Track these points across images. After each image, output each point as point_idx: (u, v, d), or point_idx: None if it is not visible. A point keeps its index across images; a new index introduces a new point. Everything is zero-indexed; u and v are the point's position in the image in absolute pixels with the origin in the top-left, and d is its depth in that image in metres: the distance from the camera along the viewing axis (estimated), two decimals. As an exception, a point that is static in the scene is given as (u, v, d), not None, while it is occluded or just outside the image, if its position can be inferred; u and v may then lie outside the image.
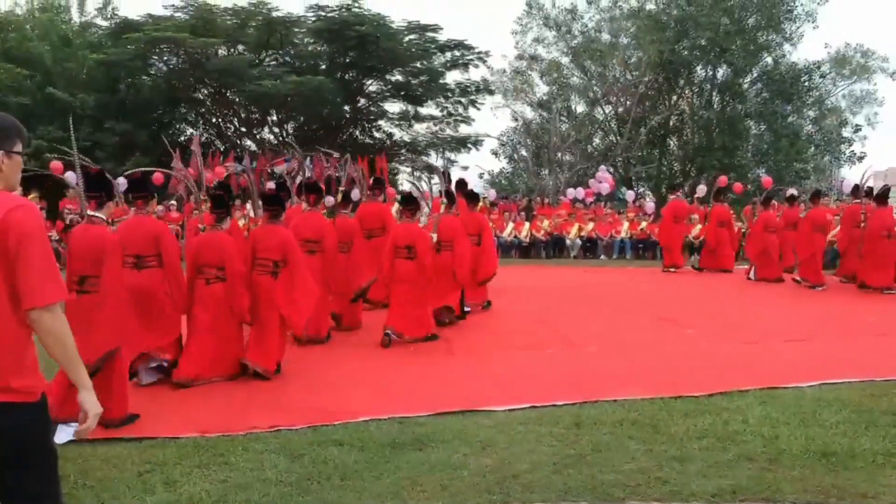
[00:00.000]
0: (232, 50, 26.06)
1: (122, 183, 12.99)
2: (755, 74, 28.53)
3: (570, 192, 22.05)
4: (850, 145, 29.01)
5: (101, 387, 4.87)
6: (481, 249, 9.42)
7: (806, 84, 27.96)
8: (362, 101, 28.32)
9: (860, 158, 28.94)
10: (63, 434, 4.80)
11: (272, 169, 17.51)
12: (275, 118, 27.67)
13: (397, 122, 29.31)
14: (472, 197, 10.08)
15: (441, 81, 27.80)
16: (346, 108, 27.40)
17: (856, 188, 13.23)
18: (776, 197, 16.20)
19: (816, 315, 10.01)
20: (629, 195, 22.92)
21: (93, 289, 5.16)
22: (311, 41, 26.90)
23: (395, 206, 11.96)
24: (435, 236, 8.59)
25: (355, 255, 8.60)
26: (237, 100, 26.40)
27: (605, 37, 30.00)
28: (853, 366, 6.69)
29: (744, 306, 10.73)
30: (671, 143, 31.26)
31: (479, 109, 29.18)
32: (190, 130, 28.32)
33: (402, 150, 29.31)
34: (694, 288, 12.98)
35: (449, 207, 9.23)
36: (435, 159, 29.03)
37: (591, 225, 19.36)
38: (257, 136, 27.75)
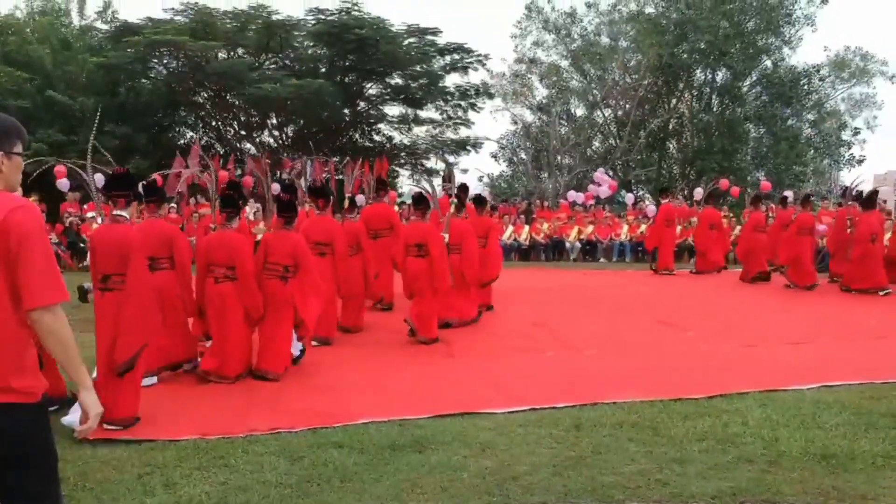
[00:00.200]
0: (232, 53, 26.05)
1: (99, 180, 13.12)
2: (754, 78, 28.59)
3: (571, 194, 22.06)
4: (850, 148, 29.11)
5: (113, 385, 5.05)
6: (486, 252, 9.55)
7: (805, 87, 28.01)
8: (362, 104, 28.32)
9: (859, 162, 29.04)
10: (72, 417, 4.83)
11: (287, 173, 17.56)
12: (274, 121, 27.67)
13: (397, 126, 29.32)
14: (480, 201, 10.25)
15: (441, 85, 27.81)
16: (346, 111, 27.39)
17: (844, 191, 13.37)
18: (771, 199, 16.30)
19: (816, 317, 10.02)
20: (629, 198, 22.94)
21: (116, 287, 5.23)
22: (311, 44, 26.91)
23: (395, 208, 12.07)
24: (446, 237, 8.66)
25: (366, 255, 8.87)
26: (237, 103, 26.39)
27: (605, 40, 30.07)
28: (853, 368, 6.70)
29: (743, 309, 10.74)
30: (670, 146, 31.31)
31: (478, 113, 29.20)
32: (190, 134, 28.31)
33: (402, 153, 29.32)
34: (693, 290, 12.98)
35: (458, 210, 9.36)
36: (434, 162, 29.05)
37: (590, 228, 19.37)
38: (257, 140, 27.74)
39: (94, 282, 5.39)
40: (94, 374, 5.20)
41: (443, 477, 4.19)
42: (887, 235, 13.13)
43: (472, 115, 29.01)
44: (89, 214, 14.99)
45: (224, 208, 6.82)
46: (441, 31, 26.67)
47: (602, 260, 18.85)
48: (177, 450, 4.66)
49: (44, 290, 2.31)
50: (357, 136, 28.86)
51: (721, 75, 28.66)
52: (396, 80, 27.32)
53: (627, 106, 29.33)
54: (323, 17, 25.33)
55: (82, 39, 26.48)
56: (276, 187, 13.65)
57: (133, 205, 5.69)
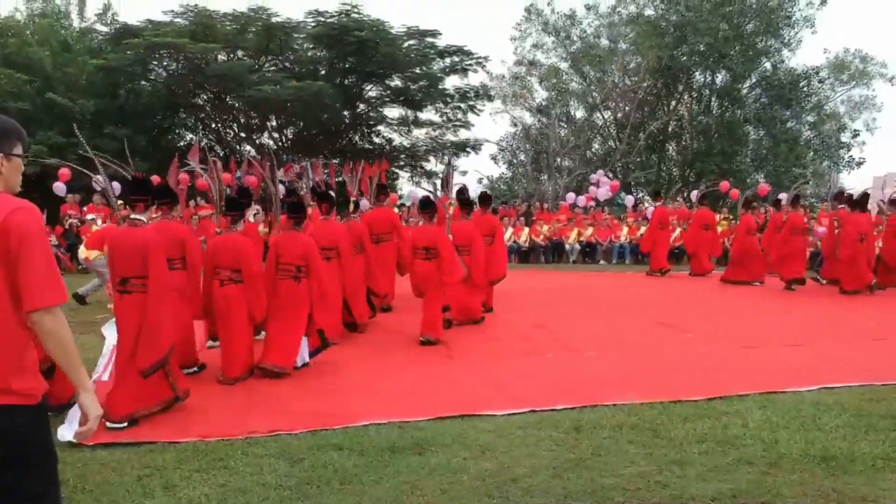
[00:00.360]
0: (231, 55, 26.06)
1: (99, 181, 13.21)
2: (754, 80, 28.58)
3: (570, 196, 22.06)
4: (849, 150, 29.10)
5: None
6: (492, 250, 9.70)
7: (805, 89, 28.01)
8: (362, 106, 28.33)
9: (859, 164, 29.02)
10: (66, 431, 4.84)
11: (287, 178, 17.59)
12: (274, 123, 27.67)
13: (397, 128, 29.33)
14: (486, 199, 10.38)
15: (440, 87, 27.82)
16: (346, 113, 27.40)
17: (838, 194, 13.78)
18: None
19: (816, 319, 10.02)
20: (629, 200, 22.95)
21: (135, 289, 5.36)
22: (311, 47, 26.92)
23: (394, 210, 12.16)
24: (450, 237, 8.83)
25: (368, 257, 9.08)
26: (237, 105, 26.39)
27: (604, 42, 30.07)
28: (852, 370, 6.70)
29: (743, 310, 10.74)
30: (670, 148, 31.32)
31: (478, 115, 29.19)
32: (189, 136, 28.30)
33: (402, 156, 29.33)
34: (692, 292, 13.00)
35: (466, 213, 9.51)
36: (435, 164, 29.06)
37: (590, 230, 19.38)
38: (257, 142, 27.74)
39: (113, 285, 5.53)
40: (94, 376, 5.21)
41: (442, 479, 4.19)
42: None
43: (471, 117, 29.04)
44: (89, 216, 14.99)
45: (228, 211, 6.90)
46: (441, 34, 26.72)
47: (602, 262, 18.86)
48: (176, 452, 4.66)
49: (44, 292, 2.31)
50: (357, 138, 28.88)
51: (720, 77, 28.67)
52: (396, 82, 27.34)
53: (627, 108, 29.35)
54: (322, 19, 25.34)
55: (82, 41, 26.49)
56: (280, 189, 13.70)
57: (150, 209, 5.90)
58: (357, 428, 5.11)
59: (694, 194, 17.51)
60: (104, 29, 27.21)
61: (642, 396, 5.81)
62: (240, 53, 26.12)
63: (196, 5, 24.98)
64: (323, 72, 26.66)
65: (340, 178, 17.58)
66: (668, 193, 20.56)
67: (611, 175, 24.58)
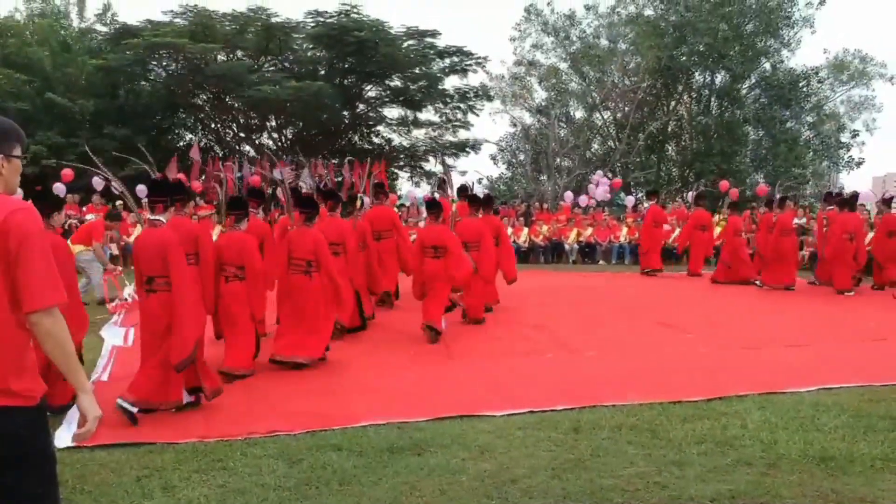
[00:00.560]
0: (231, 55, 26.09)
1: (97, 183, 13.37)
2: (753, 80, 28.61)
3: (568, 195, 22.04)
4: (849, 151, 29.12)
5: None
6: (499, 251, 9.90)
7: (804, 90, 28.03)
8: (361, 106, 28.36)
9: (858, 164, 29.04)
10: (65, 433, 4.83)
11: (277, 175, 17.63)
12: (274, 123, 27.70)
13: (396, 128, 29.36)
14: (486, 200, 10.53)
15: (440, 87, 27.87)
16: (345, 113, 27.43)
17: (827, 195, 14.07)
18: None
19: (815, 320, 10.02)
20: (628, 200, 22.96)
21: (160, 288, 5.53)
22: (310, 47, 26.95)
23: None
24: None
25: (370, 254, 9.35)
26: (236, 105, 26.42)
27: (604, 42, 30.09)
28: (852, 370, 6.70)
29: (742, 311, 10.74)
30: (669, 148, 31.33)
31: (477, 115, 29.27)
32: (189, 136, 28.34)
33: (401, 156, 29.35)
34: (692, 292, 13.00)
35: (475, 212, 9.70)
36: (434, 164, 29.08)
37: (589, 230, 19.36)
38: (256, 142, 27.76)
39: (139, 284, 5.74)
40: (93, 377, 5.21)
41: (441, 480, 4.19)
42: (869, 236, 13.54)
43: (471, 117, 29.13)
44: (88, 216, 15.00)
45: (232, 210, 7.07)
46: (440, 34, 26.77)
47: (601, 262, 18.86)
48: (175, 453, 4.66)
49: (43, 293, 2.31)
50: (356, 138, 28.91)
51: (720, 78, 28.69)
52: (395, 82, 27.38)
53: (626, 108, 29.36)
54: (322, 19, 25.37)
55: (82, 42, 26.52)
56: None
57: (170, 210, 5.95)
58: (356, 428, 5.11)
59: (690, 195, 17.52)
60: (104, 29, 27.26)
61: (641, 397, 5.81)
62: (239, 53, 26.15)
63: (195, 5, 25.02)
64: (322, 72, 26.68)
65: (340, 178, 17.57)
66: (667, 194, 20.57)
67: (610, 175, 24.60)
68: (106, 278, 10.59)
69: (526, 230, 19.44)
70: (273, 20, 25.25)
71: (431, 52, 27.10)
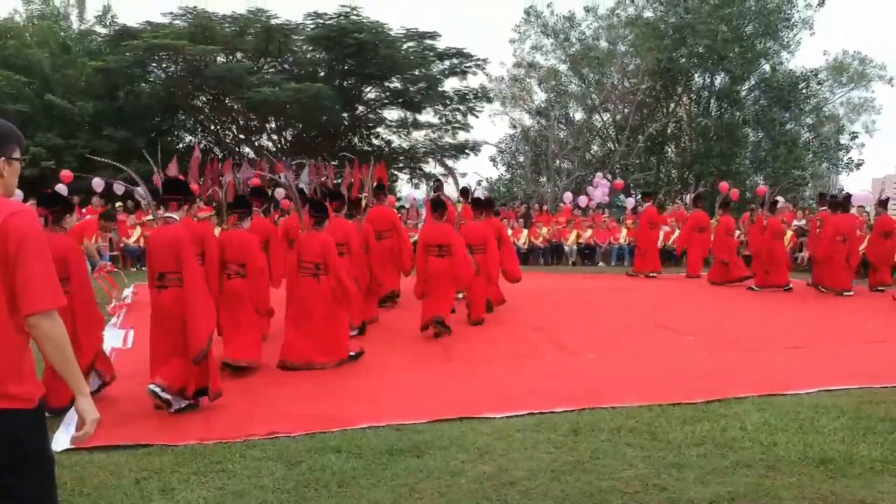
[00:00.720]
0: (230, 57, 26.08)
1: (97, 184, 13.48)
2: (753, 82, 28.63)
3: (568, 196, 22.03)
4: (848, 152, 29.14)
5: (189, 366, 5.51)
6: (502, 251, 10.11)
7: (803, 91, 28.05)
8: (361, 108, 28.36)
9: (858, 166, 29.06)
10: (62, 438, 4.82)
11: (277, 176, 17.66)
12: (273, 125, 27.70)
13: (396, 130, 29.35)
14: (487, 203, 10.69)
15: (439, 89, 27.86)
16: (345, 115, 27.42)
17: (820, 196, 14.38)
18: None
19: (814, 322, 10.02)
20: (628, 202, 22.97)
21: (172, 284, 5.67)
22: (310, 48, 26.95)
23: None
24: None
25: (372, 254, 9.44)
26: (236, 107, 26.41)
27: (603, 44, 30.12)
28: (851, 372, 6.70)
29: (742, 313, 10.74)
30: (669, 150, 31.35)
31: (477, 117, 29.26)
32: (188, 137, 28.35)
33: (401, 157, 29.35)
34: (691, 294, 13.00)
35: (479, 214, 9.86)
36: (434, 166, 29.07)
37: (589, 232, 19.36)
38: (256, 144, 27.75)
39: (151, 280, 5.86)
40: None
41: (440, 482, 4.19)
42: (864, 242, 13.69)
43: (470, 119, 29.13)
44: (88, 217, 14.96)
45: (234, 209, 7.31)
46: (440, 36, 26.76)
47: (601, 264, 18.86)
48: (174, 455, 4.65)
49: (42, 296, 2.31)
50: (356, 139, 28.90)
51: (719, 79, 28.70)
52: (395, 84, 27.37)
53: (626, 110, 29.38)
54: (321, 21, 25.37)
55: (81, 43, 26.51)
56: (280, 192, 13.80)
57: (183, 208, 6.05)
58: (355, 431, 5.11)
59: (688, 197, 17.55)
60: (103, 31, 27.26)
61: (640, 399, 5.80)
62: (239, 55, 26.14)
63: (195, 7, 25.03)
64: (322, 73, 26.68)
65: (338, 181, 17.58)
66: (667, 195, 20.57)
67: (610, 177, 24.60)
68: (97, 275, 10.54)
69: (525, 232, 19.44)
70: (272, 22, 25.25)
71: (431, 53, 27.10)
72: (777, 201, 14.80)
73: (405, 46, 26.40)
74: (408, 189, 28.20)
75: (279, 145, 27.78)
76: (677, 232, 17.41)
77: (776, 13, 26.98)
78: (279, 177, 15.77)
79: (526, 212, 21.45)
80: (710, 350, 7.94)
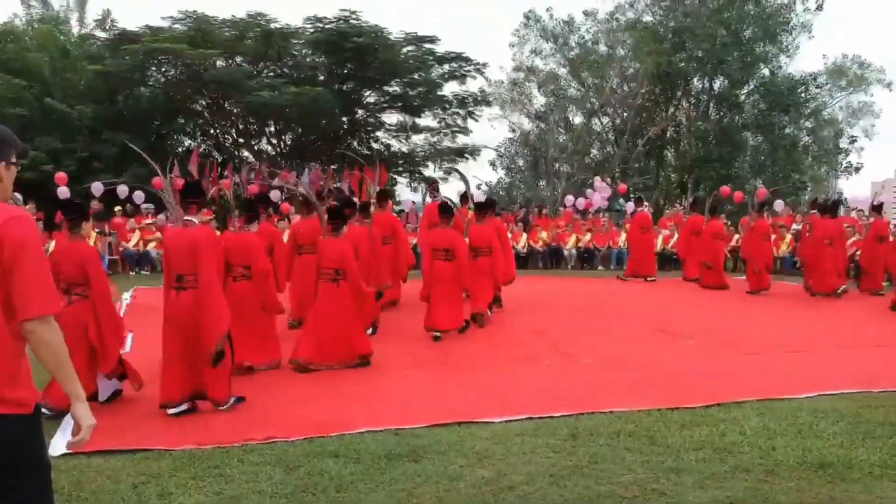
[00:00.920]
0: (230, 61, 26.07)
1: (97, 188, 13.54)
2: (752, 86, 28.67)
3: (569, 199, 22.02)
4: (847, 156, 29.17)
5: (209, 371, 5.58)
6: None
7: (803, 95, 28.09)
8: (360, 112, 28.35)
9: (857, 169, 29.10)
10: (59, 443, 4.81)
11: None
12: (273, 129, 27.68)
13: (395, 133, 29.35)
14: (490, 204, 10.93)
15: (439, 93, 27.86)
16: (344, 119, 27.42)
17: (812, 201, 14.80)
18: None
19: (813, 326, 10.02)
20: (628, 206, 22.97)
21: (189, 285, 5.73)
22: (309, 52, 26.95)
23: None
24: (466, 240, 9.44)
25: (376, 258, 9.66)
26: (235, 111, 26.41)
27: (603, 48, 30.18)
28: (850, 377, 6.70)
29: (741, 317, 10.74)
30: (668, 154, 31.38)
31: (476, 121, 29.25)
32: (188, 141, 28.33)
33: (401, 161, 29.34)
34: (691, 298, 12.99)
35: (482, 217, 10.05)
36: (434, 170, 29.07)
37: (588, 236, 19.35)
38: (255, 147, 27.75)
39: (168, 282, 5.88)
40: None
41: (439, 486, 4.18)
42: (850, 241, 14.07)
43: (470, 123, 29.10)
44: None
45: (242, 212, 7.55)
46: (439, 40, 26.78)
47: (600, 268, 18.85)
48: (172, 459, 4.64)
49: (40, 301, 2.30)
50: (355, 143, 28.88)
51: (719, 83, 28.75)
52: (395, 88, 27.37)
53: (625, 114, 29.43)
54: (321, 25, 25.37)
55: (81, 47, 26.51)
56: (275, 194, 13.78)
57: (203, 211, 6.43)
58: (353, 435, 5.10)
59: (686, 201, 17.59)
60: (103, 35, 27.25)
61: (639, 403, 5.79)
62: (238, 59, 26.14)
63: (195, 11, 25.01)
64: (321, 77, 26.68)
65: (338, 185, 17.56)
66: (666, 199, 20.58)
67: (609, 181, 24.60)
68: None
69: (525, 235, 19.43)
70: (272, 26, 25.25)
71: (430, 57, 27.10)
72: (765, 203, 14.91)
73: (405, 50, 26.41)
74: (407, 193, 28.20)
75: (278, 149, 27.77)
76: (676, 236, 17.43)
77: (775, 17, 27.04)
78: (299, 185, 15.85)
79: (525, 215, 21.45)
80: (710, 354, 7.94)
